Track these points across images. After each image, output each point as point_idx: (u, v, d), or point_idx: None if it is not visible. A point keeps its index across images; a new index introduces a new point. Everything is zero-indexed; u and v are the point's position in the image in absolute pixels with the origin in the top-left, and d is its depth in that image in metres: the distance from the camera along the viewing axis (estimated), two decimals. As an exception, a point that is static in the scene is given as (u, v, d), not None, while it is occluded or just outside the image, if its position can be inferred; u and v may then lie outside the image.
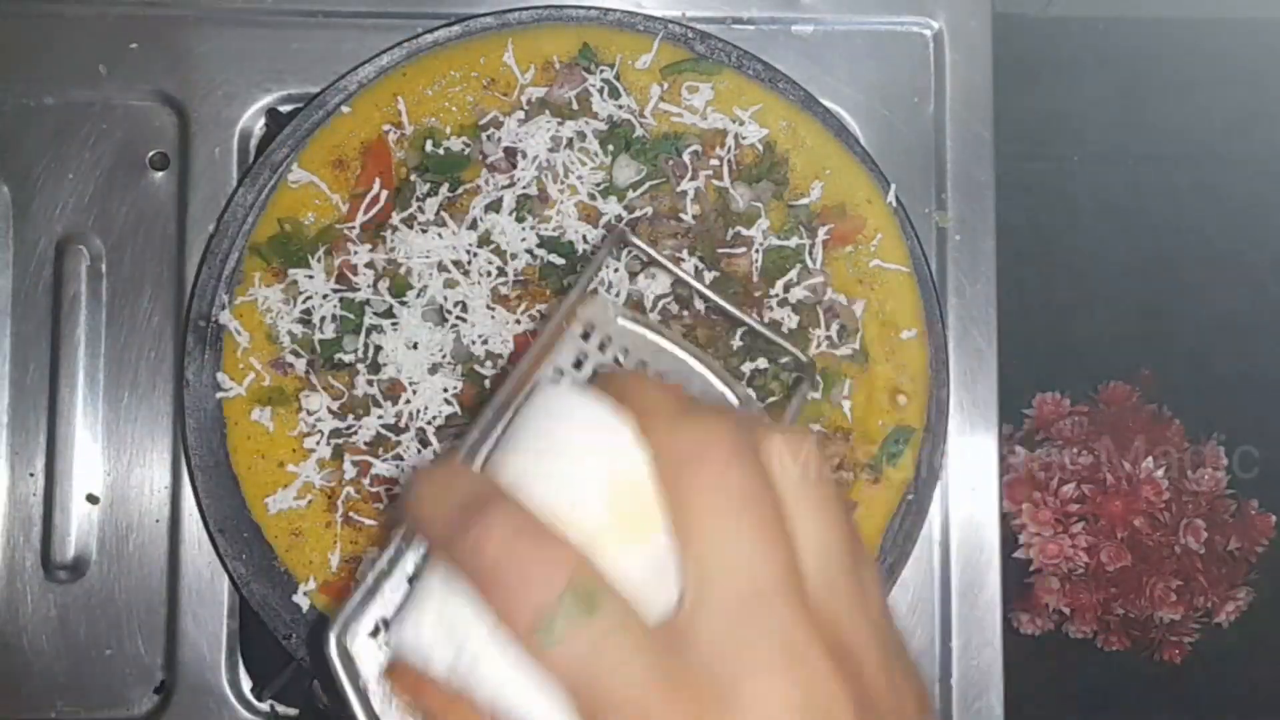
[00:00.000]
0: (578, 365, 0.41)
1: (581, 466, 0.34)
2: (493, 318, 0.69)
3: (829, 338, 0.70)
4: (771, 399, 0.69)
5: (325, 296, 0.69)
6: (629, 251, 0.69)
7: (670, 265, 0.48)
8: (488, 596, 0.32)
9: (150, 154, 0.75)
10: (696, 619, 0.32)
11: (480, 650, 0.32)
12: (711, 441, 0.33)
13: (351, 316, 0.69)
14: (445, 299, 0.69)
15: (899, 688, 0.33)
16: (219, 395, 0.69)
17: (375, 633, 0.36)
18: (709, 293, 0.50)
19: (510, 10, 0.72)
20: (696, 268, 0.69)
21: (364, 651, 0.36)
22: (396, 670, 0.35)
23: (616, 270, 0.69)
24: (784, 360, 0.69)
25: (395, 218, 0.69)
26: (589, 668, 0.31)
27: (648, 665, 0.31)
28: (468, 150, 0.70)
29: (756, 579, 0.32)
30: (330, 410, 0.68)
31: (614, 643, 0.31)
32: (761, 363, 0.69)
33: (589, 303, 0.42)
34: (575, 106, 0.71)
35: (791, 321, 0.69)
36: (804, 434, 0.35)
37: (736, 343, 0.69)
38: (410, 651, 0.34)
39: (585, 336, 0.42)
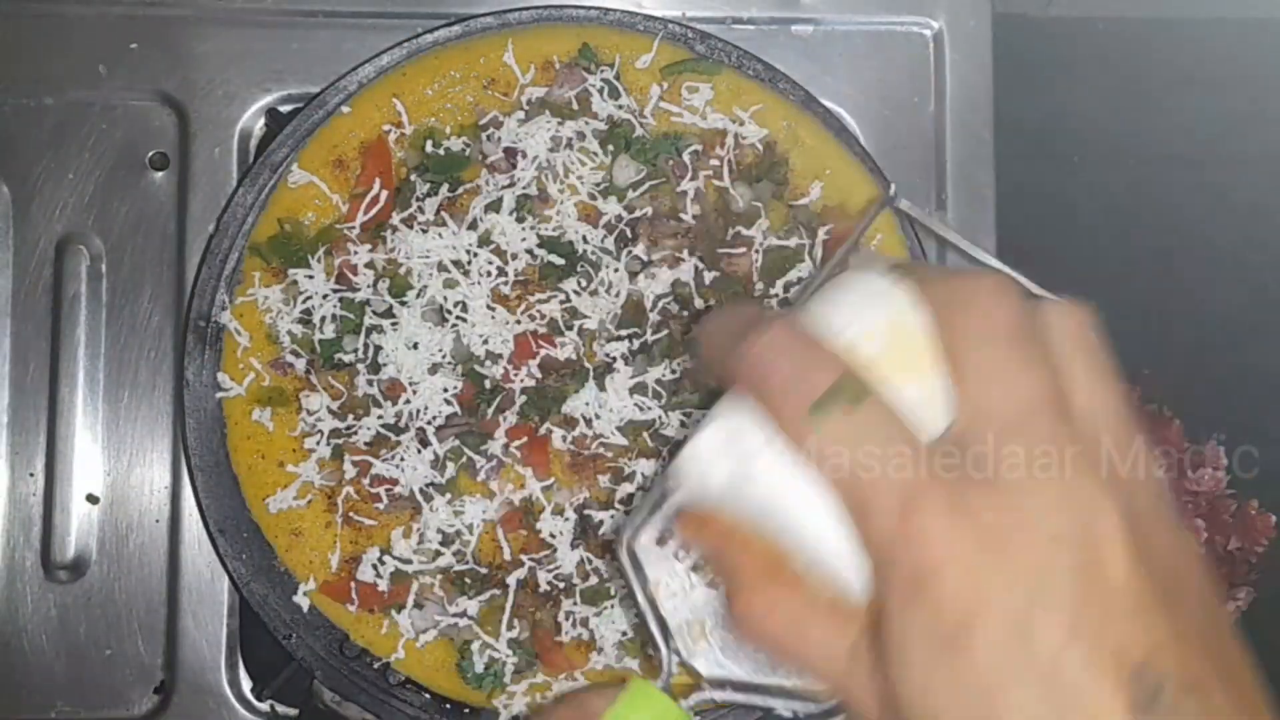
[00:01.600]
0: None
1: (863, 311, 0.35)
2: (493, 318, 0.69)
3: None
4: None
5: (325, 296, 0.69)
6: (628, 251, 0.69)
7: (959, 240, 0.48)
8: (760, 395, 0.34)
9: (150, 154, 0.75)
10: (966, 434, 0.33)
11: (755, 456, 0.34)
12: (983, 288, 0.34)
13: (351, 316, 0.69)
14: (445, 299, 0.69)
15: (1169, 535, 0.33)
16: (219, 395, 0.69)
17: (661, 542, 0.38)
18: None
19: (510, 10, 0.72)
20: (696, 268, 0.69)
21: (650, 557, 0.38)
22: (681, 518, 0.37)
23: (616, 270, 0.69)
24: None
25: (395, 218, 0.69)
26: (854, 453, 0.32)
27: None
28: (468, 150, 0.70)
29: (1026, 398, 0.33)
30: (330, 410, 0.68)
31: (880, 432, 0.32)
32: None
33: (859, 253, 0.43)
34: (575, 106, 0.71)
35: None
36: (1079, 307, 0.37)
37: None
38: (691, 470, 0.36)
39: None
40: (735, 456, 0.35)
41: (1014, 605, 0.30)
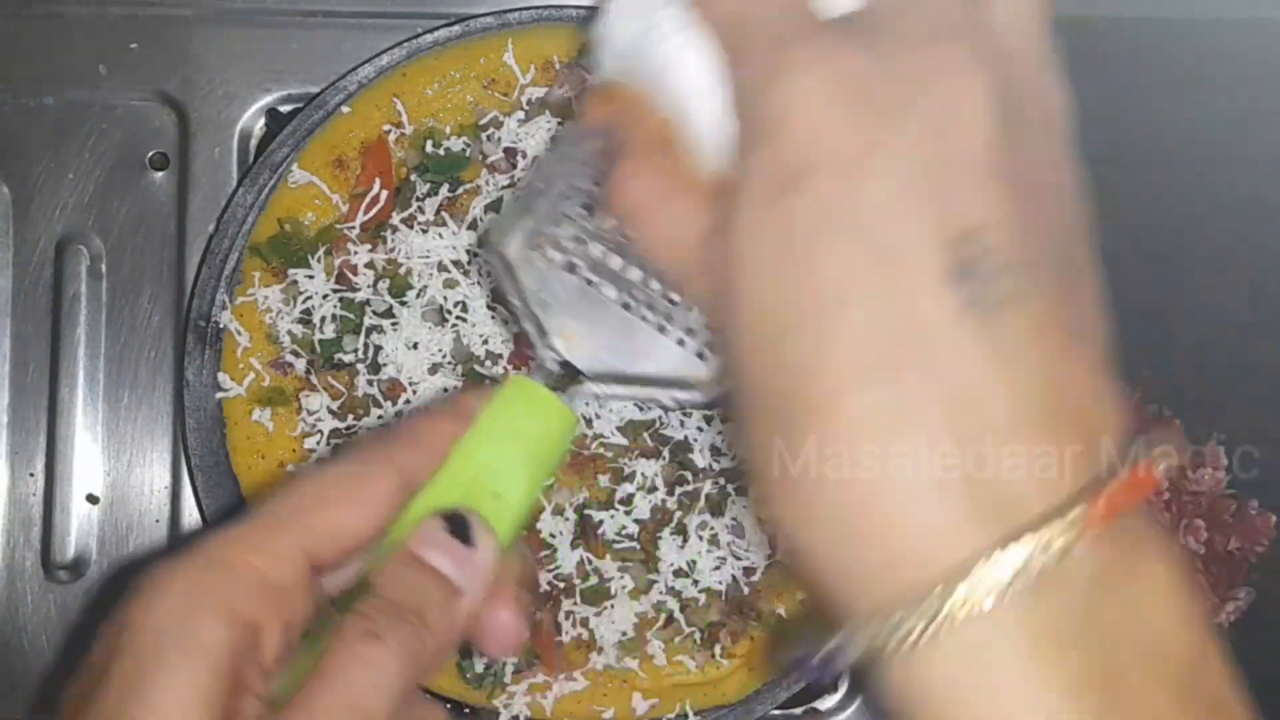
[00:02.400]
0: None
1: None
2: (493, 318, 0.69)
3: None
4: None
5: (325, 296, 0.69)
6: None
7: None
8: None
9: (150, 154, 0.75)
10: (864, 7, 0.32)
11: (659, 13, 0.33)
12: None
13: (351, 316, 0.69)
14: (445, 299, 0.69)
15: (1049, 154, 0.32)
16: (219, 395, 0.69)
17: (535, 245, 0.38)
18: None
19: (510, 10, 0.72)
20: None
21: (523, 261, 0.38)
22: (590, 94, 0.36)
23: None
24: None
25: (395, 218, 0.69)
26: (736, 3, 0.32)
27: (792, 6, 0.31)
28: (468, 150, 0.70)
29: None
30: (330, 410, 0.68)
31: None
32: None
33: None
34: (575, 106, 0.71)
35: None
36: None
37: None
38: (604, 30, 0.35)
39: None
40: (641, 18, 0.34)
41: (853, 156, 0.29)
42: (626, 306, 0.39)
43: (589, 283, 0.39)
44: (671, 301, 0.39)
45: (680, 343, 0.39)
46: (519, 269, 0.38)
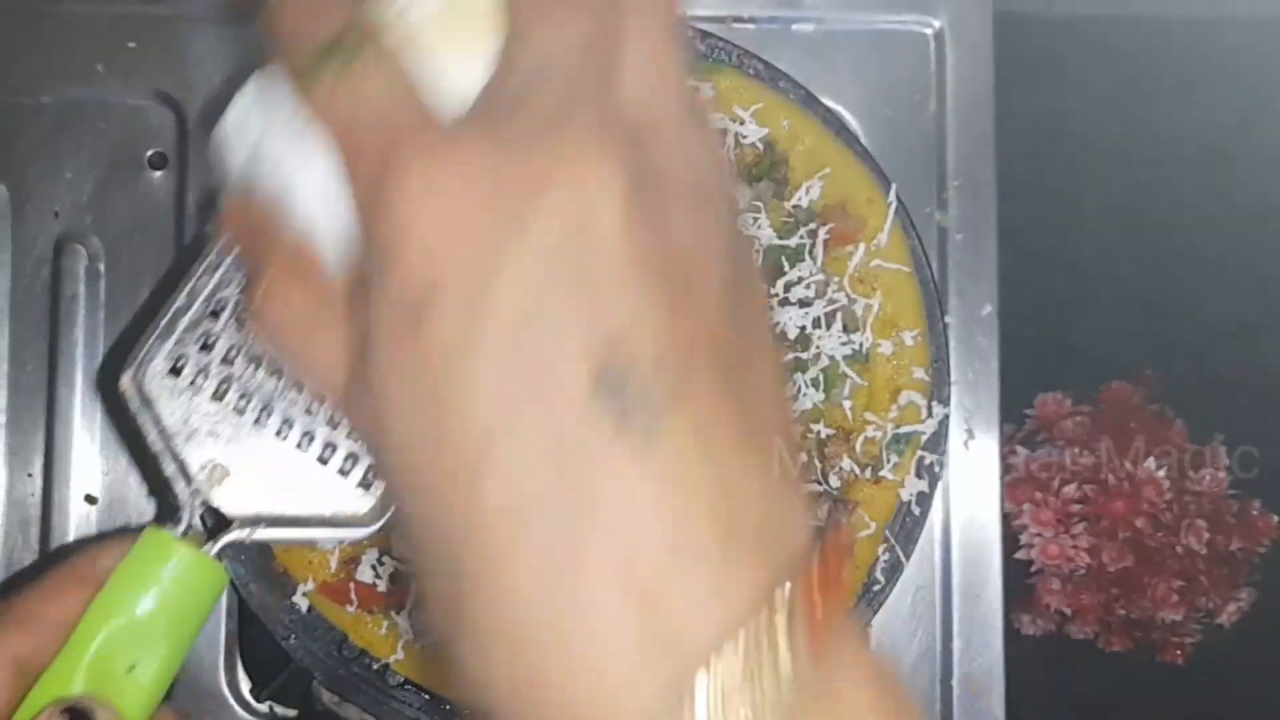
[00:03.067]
0: None
1: None
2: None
3: (830, 337, 0.70)
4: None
5: (324, 296, 0.68)
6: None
7: None
8: (276, 47, 0.31)
9: (148, 153, 0.75)
10: (493, 86, 0.29)
11: (279, 120, 0.31)
12: None
13: (350, 316, 0.68)
14: (444, 299, 0.69)
15: (707, 233, 0.29)
16: (217, 395, 0.69)
17: (176, 371, 0.35)
18: None
19: (510, 9, 0.72)
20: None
21: (163, 391, 0.35)
22: (225, 208, 0.33)
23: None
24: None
25: (394, 217, 0.69)
26: (347, 103, 0.29)
27: (403, 107, 0.29)
28: (467, 149, 0.70)
29: (561, 47, 0.29)
30: (329, 410, 0.68)
31: (375, 83, 0.29)
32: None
33: None
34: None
35: (793, 321, 0.69)
36: None
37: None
38: (223, 134, 0.32)
39: None
40: (261, 124, 0.31)
41: (480, 269, 0.26)
42: (282, 434, 0.36)
43: (240, 410, 0.36)
44: (333, 426, 0.36)
45: (343, 472, 0.36)
46: (158, 400, 0.35)
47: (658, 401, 0.25)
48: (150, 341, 0.35)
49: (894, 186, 0.71)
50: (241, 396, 0.36)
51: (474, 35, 0.30)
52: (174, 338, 0.35)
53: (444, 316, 0.26)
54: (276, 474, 0.36)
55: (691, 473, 0.26)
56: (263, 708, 0.72)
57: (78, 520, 0.73)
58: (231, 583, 0.70)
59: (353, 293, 0.29)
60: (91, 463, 0.73)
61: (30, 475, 0.73)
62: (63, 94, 0.74)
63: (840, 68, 0.76)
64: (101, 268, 0.74)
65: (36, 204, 0.74)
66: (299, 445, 0.36)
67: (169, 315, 0.35)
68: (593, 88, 0.28)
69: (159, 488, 0.53)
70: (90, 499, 0.73)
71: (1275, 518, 1.12)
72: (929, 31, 0.77)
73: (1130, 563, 1.07)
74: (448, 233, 0.26)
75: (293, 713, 0.72)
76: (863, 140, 0.74)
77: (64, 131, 0.74)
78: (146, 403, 0.35)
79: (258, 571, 0.69)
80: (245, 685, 0.73)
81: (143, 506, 0.73)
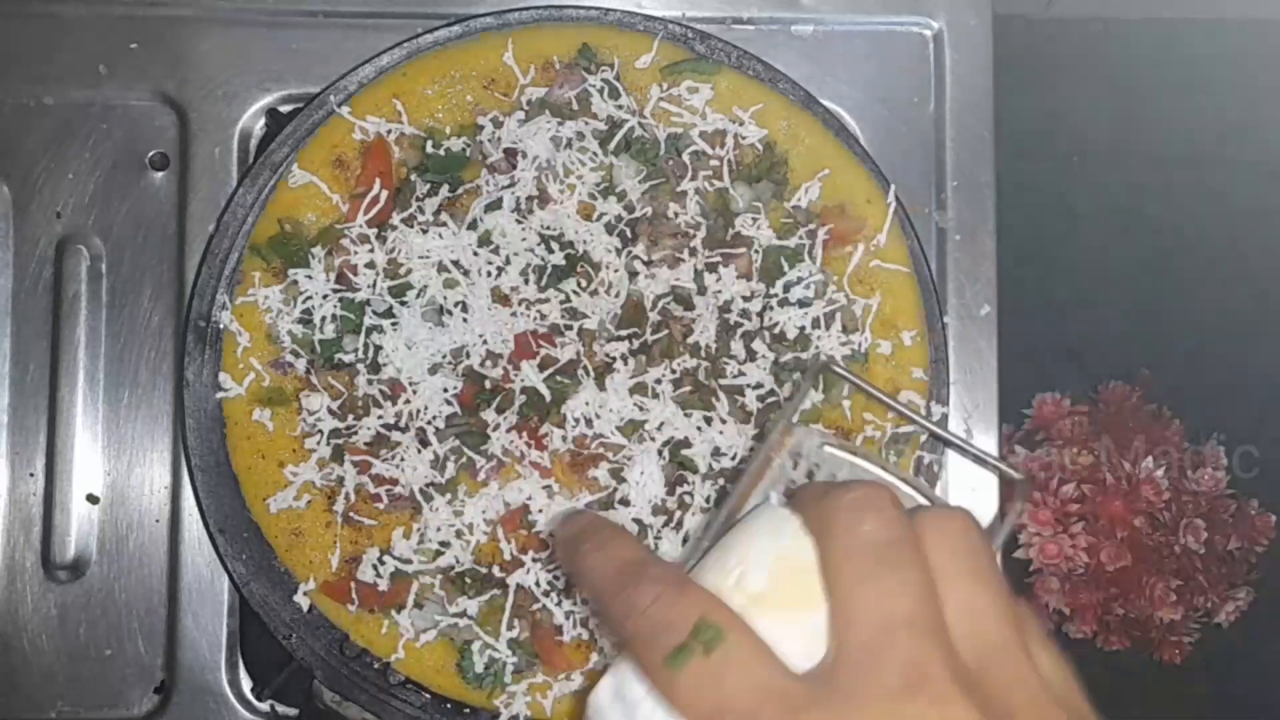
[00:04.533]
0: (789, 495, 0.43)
1: (752, 547, 0.36)
2: (493, 317, 0.69)
3: (829, 338, 0.70)
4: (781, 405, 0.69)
5: (325, 296, 0.69)
6: (628, 251, 0.69)
7: (888, 400, 0.52)
8: (633, 642, 0.34)
9: (150, 154, 0.75)
10: (837, 657, 0.32)
11: (639, 705, 0.34)
12: (846, 503, 0.34)
13: (351, 316, 0.69)
14: (445, 299, 0.69)
15: None
16: (219, 395, 0.69)
17: None
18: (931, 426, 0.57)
19: (510, 10, 0.72)
20: (697, 269, 0.69)
21: None
22: None
23: (616, 270, 0.69)
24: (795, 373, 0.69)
25: (395, 218, 0.69)
26: (717, 694, 0.32)
27: (775, 689, 0.32)
28: (468, 150, 0.70)
29: (890, 614, 0.32)
30: (330, 410, 0.68)
31: (742, 670, 0.32)
32: (756, 375, 0.69)
33: (795, 432, 0.44)
34: (575, 107, 0.71)
35: (792, 321, 0.69)
36: (959, 512, 0.36)
37: (737, 346, 0.69)
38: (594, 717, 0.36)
39: (794, 464, 0.44)
40: (622, 708, 0.35)
41: None
42: None
43: None
44: None
45: None
46: None
47: None
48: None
49: (893, 187, 0.71)
50: None
51: (801, 606, 0.34)
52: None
53: None
54: None
55: None
56: (264, 706, 0.73)
57: (79, 519, 0.73)
58: (233, 581, 0.70)
59: None
60: (93, 462, 0.73)
61: (32, 475, 0.73)
62: (65, 95, 0.74)
63: (840, 69, 0.76)
64: (103, 268, 0.74)
65: (39, 205, 0.74)
66: None
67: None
68: (932, 642, 0.31)
69: None
70: (92, 498, 0.73)
71: (1273, 517, 1.13)
72: (928, 33, 0.77)
73: (1128, 562, 1.07)
74: None
75: (294, 711, 0.73)
76: (862, 141, 0.74)
77: (66, 133, 0.74)
78: None
79: (259, 570, 0.69)
80: (246, 684, 0.73)
81: (145, 506, 0.73)
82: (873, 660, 0.31)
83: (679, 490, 0.68)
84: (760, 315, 0.70)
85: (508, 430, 0.68)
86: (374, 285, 0.69)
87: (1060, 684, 0.34)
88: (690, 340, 0.69)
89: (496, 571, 0.68)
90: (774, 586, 0.34)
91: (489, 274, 0.69)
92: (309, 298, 0.69)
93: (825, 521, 0.34)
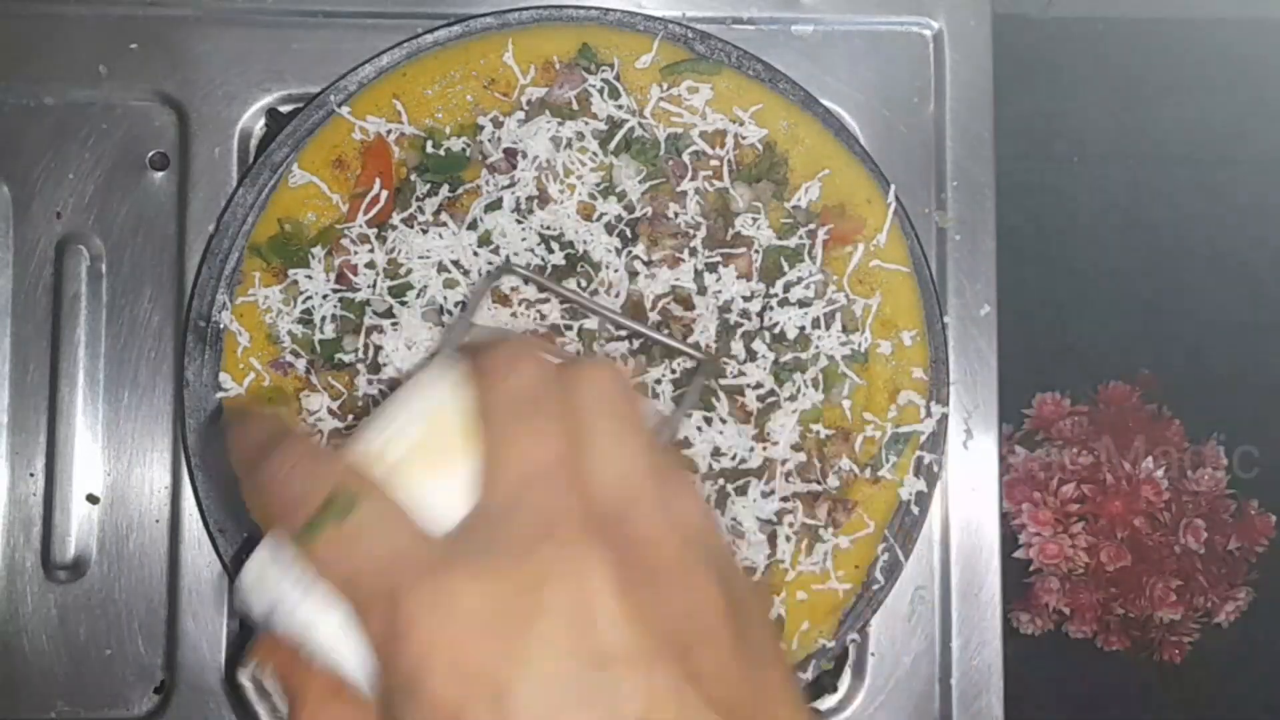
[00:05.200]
0: None
1: (405, 407, 0.36)
2: (493, 318, 0.69)
3: (829, 337, 0.70)
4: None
5: (325, 297, 0.69)
6: (628, 251, 0.69)
7: (552, 285, 0.56)
8: (275, 518, 0.34)
9: (150, 154, 0.75)
10: (482, 509, 0.33)
11: (288, 575, 0.34)
12: (498, 357, 0.35)
13: (351, 316, 0.69)
14: (445, 299, 0.69)
15: (697, 588, 0.33)
16: (219, 395, 0.69)
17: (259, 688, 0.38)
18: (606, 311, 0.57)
19: (510, 10, 0.72)
20: (697, 269, 0.69)
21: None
22: (257, 643, 0.36)
23: (616, 270, 0.69)
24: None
25: (395, 218, 0.69)
26: (352, 558, 0.32)
27: (412, 549, 0.32)
28: (468, 150, 0.70)
29: (532, 463, 0.32)
30: (330, 410, 0.68)
31: (366, 538, 0.32)
32: (757, 375, 0.69)
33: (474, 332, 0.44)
34: (575, 107, 0.71)
35: (792, 322, 0.70)
36: (606, 363, 0.37)
37: (737, 346, 0.69)
38: (246, 599, 0.35)
39: None
40: (275, 580, 0.34)
41: (497, 687, 0.29)
42: None
43: None
44: None
45: None
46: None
47: None
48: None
49: (893, 187, 0.71)
50: (284, 694, 0.38)
51: (452, 461, 0.34)
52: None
53: None
54: None
55: None
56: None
57: (79, 519, 0.73)
58: (233, 582, 0.70)
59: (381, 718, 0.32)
60: (93, 462, 0.73)
61: (32, 474, 0.73)
62: (65, 95, 0.74)
63: (839, 69, 0.76)
64: (103, 268, 0.74)
65: (39, 205, 0.74)
66: None
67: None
68: (568, 491, 0.32)
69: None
70: (92, 498, 0.73)
71: (1273, 517, 1.13)
72: (928, 33, 0.77)
73: (1128, 562, 1.07)
74: (465, 652, 0.29)
75: (294, 711, 0.73)
76: (862, 141, 0.74)
77: (66, 133, 0.74)
78: (263, 694, 0.37)
79: (259, 571, 0.69)
80: (247, 684, 0.73)
81: (145, 506, 0.73)
82: (505, 514, 0.32)
83: (679, 490, 0.68)
84: (760, 315, 0.70)
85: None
86: (374, 285, 0.69)
87: (697, 527, 0.34)
88: (690, 340, 0.69)
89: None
90: (424, 445, 0.34)
91: (489, 274, 0.69)
92: (309, 298, 0.69)
93: (480, 372, 0.35)
